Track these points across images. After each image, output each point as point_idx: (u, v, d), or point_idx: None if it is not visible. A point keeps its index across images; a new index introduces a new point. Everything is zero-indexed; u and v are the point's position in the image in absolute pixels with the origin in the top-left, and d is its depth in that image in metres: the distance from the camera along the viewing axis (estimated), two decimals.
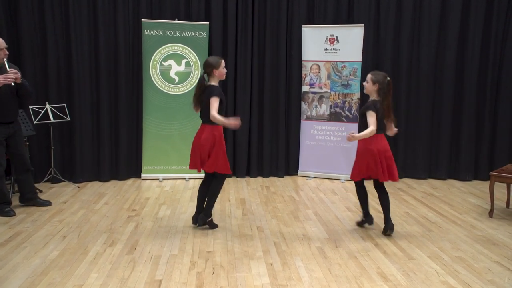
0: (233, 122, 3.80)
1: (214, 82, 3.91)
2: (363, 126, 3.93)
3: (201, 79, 3.93)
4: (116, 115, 5.97)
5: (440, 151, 6.39)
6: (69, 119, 5.53)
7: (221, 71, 3.90)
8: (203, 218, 4.09)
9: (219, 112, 3.83)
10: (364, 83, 3.96)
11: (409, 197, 5.45)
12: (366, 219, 4.25)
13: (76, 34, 5.70)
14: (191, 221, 4.31)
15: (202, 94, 3.90)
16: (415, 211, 4.84)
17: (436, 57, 6.26)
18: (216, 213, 4.46)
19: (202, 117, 3.97)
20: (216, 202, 4.35)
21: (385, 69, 6.20)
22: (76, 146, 5.80)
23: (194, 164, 3.99)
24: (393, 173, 3.89)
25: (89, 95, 5.83)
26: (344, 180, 6.16)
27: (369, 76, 3.92)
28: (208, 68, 3.88)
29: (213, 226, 4.14)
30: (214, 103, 3.78)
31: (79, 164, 5.82)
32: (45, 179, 5.62)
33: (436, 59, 6.26)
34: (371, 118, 3.80)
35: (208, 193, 4.06)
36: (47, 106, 5.41)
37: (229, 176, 6.13)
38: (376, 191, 4.03)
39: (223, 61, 3.91)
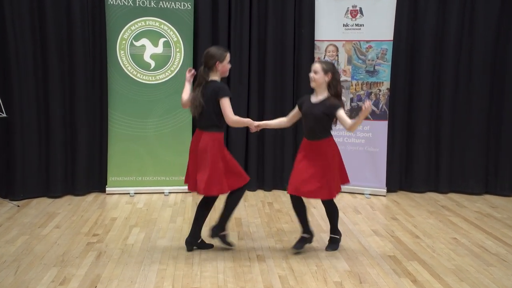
0: (252, 123, 4.32)
1: (215, 77, 4.12)
2: (320, 130, 4.23)
3: (203, 73, 4.09)
4: (71, 110, 5.94)
5: (501, 156, 6.34)
6: (5, 115, 5.47)
7: (226, 65, 4.14)
8: (214, 230, 4.25)
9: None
10: (311, 75, 4.21)
11: (458, 218, 5.41)
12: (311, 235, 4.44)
13: None
14: (170, 248, 4.30)
15: (202, 93, 4.08)
16: (467, 238, 4.80)
17: (497, 34, 6.17)
18: (204, 236, 4.43)
19: (201, 122, 4.14)
20: (204, 224, 4.37)
21: (424, 52, 6.19)
22: (15, 151, 5.73)
23: (187, 179, 4.25)
24: None
25: (34, 84, 5.75)
26: (370, 195, 6.15)
27: (317, 65, 4.20)
28: (211, 61, 4.06)
29: (226, 243, 4.32)
30: (227, 106, 4.02)
31: (20, 175, 5.76)
32: None
33: (497, 37, 6.18)
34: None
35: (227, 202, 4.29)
36: None
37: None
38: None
39: (228, 54, 4.14)
